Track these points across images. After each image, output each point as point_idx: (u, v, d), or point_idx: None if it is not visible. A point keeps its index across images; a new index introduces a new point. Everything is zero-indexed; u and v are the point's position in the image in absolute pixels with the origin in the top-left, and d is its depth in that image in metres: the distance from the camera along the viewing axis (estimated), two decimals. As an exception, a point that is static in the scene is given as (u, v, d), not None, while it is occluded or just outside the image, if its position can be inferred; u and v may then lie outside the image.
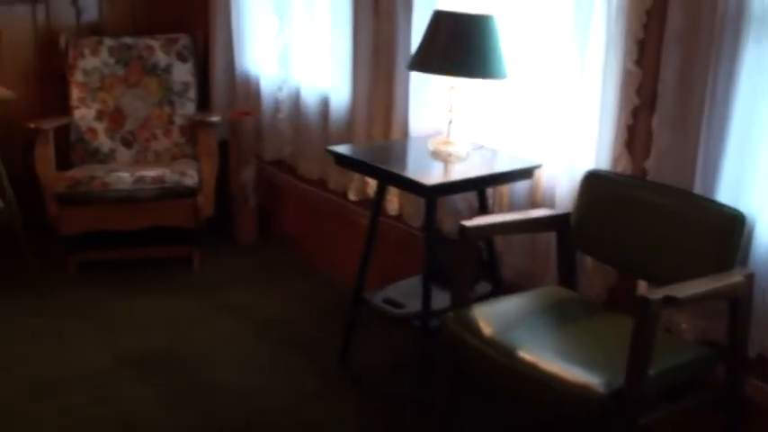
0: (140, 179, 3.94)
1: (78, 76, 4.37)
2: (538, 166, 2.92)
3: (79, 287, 3.95)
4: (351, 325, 3.22)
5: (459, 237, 2.52)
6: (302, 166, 4.16)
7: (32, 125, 4.01)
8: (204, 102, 4.56)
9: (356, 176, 3.73)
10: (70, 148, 4.35)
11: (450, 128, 3.01)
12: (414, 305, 3.00)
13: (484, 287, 3.06)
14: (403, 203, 3.56)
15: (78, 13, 4.62)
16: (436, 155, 3.01)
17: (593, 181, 2.69)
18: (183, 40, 4.51)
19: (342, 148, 3.09)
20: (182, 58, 4.48)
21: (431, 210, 2.78)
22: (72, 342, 3.46)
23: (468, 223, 2.54)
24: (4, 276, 4.04)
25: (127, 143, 4.41)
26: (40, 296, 3.85)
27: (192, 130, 4.40)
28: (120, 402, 3.02)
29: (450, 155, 2.98)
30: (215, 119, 4.24)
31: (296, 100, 4.10)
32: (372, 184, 3.67)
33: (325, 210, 4.09)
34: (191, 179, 4.02)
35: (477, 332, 2.39)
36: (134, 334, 3.53)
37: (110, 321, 3.63)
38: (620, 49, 2.62)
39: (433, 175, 2.87)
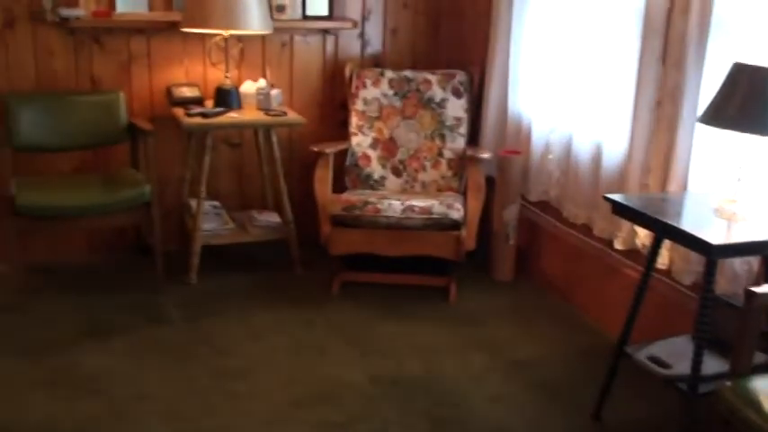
0: (410, 208, 4.07)
1: (359, 105, 4.60)
2: (836, 235, 2.70)
3: (342, 305, 4.13)
4: (610, 378, 3.13)
5: (745, 303, 2.39)
6: (567, 210, 4.12)
7: (316, 149, 4.27)
8: (474, 137, 4.64)
9: (624, 226, 3.64)
10: (344, 172, 4.57)
11: (739, 186, 2.86)
12: (680, 366, 2.87)
13: (758, 357, 2.87)
14: (673, 258, 3.43)
15: (364, 45, 4.87)
16: (719, 212, 2.86)
17: None
18: (460, 76, 4.62)
19: (620, 197, 3.02)
20: (457, 93, 4.59)
21: (711, 270, 2.65)
22: (332, 358, 3.62)
23: (759, 290, 2.40)
24: (276, 288, 4.31)
25: (397, 172, 4.58)
26: (305, 311, 4.06)
27: (461, 164, 4.50)
28: (375, 423, 3.12)
29: (734, 214, 2.83)
30: (485, 155, 4.31)
31: (567, 143, 4.08)
32: (642, 235, 3.57)
33: (587, 255, 4.02)
34: (457, 213, 4.09)
35: (757, 407, 2.25)
36: (390, 357, 3.64)
37: (367, 342, 3.77)
38: None
39: (716, 234, 2.73)
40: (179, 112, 4.23)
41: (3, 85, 4.21)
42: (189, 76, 4.51)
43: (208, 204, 4.41)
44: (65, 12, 4.11)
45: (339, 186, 4.50)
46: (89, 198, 3.95)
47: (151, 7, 4.37)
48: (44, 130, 4.17)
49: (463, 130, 4.59)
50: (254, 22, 4.11)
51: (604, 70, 3.77)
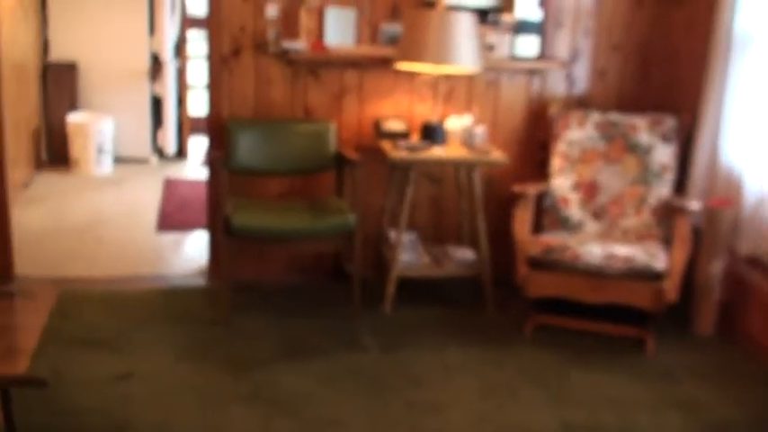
0: (610, 256, 3.98)
1: (561, 146, 4.56)
2: None
3: (533, 348, 4.08)
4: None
5: None
6: (781, 268, 3.91)
7: (518, 189, 4.26)
8: (680, 186, 4.49)
9: None
10: (542, 213, 4.54)
11: None
12: None
13: None
14: None
15: (570, 86, 4.83)
16: None
17: None
18: (669, 121, 4.48)
19: None
20: (665, 139, 4.46)
21: None
22: (523, 401, 3.58)
23: None
24: (468, 325, 4.31)
25: (596, 216, 4.49)
26: (497, 350, 4.04)
27: (665, 212, 4.36)
28: (567, 474, 3.06)
29: None
30: (694, 206, 4.15)
31: (785, 198, 3.88)
32: None
33: (800, 319, 3.80)
34: (660, 263, 3.97)
35: None
36: (581, 406, 3.55)
37: (560, 388, 3.70)
38: None
39: None
40: (386, 144, 4.34)
41: (225, 109, 4.48)
42: (397, 109, 4.63)
43: (405, 236, 4.49)
44: (287, 44, 4.34)
45: (535, 227, 4.46)
46: (298, 223, 4.12)
47: (358, 41, 4.53)
48: (259, 154, 4.40)
49: (670, 177, 4.45)
50: (465, 60, 4.17)
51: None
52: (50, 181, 6.78)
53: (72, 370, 3.60)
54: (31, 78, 6.73)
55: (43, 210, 5.96)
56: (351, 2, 4.51)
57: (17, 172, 5.93)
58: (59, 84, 7.13)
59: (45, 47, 7.12)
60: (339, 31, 4.62)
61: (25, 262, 4.77)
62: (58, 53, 7.16)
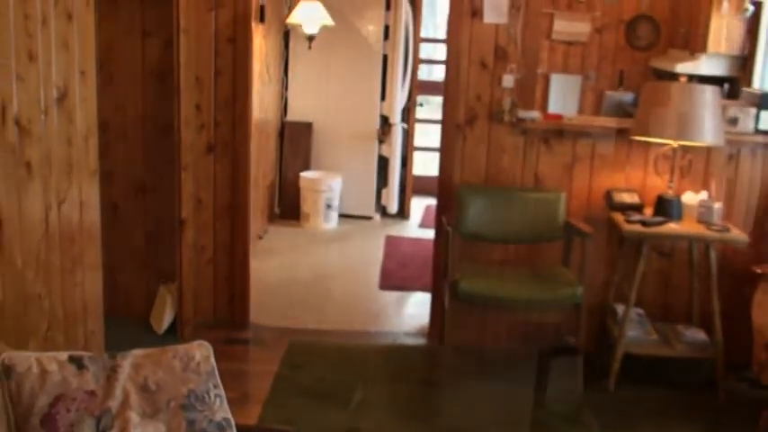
0: None
1: None
2: None
3: (768, 442, 3.83)
4: None
5: None
6: None
7: (758, 269, 4.04)
8: None
9: None
10: (782, 296, 4.27)
11: None
12: None
13: None
14: None
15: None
16: None
17: None
18: None
19: None
20: None
21: None
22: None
23: None
24: (694, 410, 4.10)
25: None
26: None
27: None
28: None
29: None
30: None
31: None
32: None
33: None
34: None
35: None
36: None
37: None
38: None
39: None
40: (618, 217, 4.26)
41: (457, 175, 4.58)
42: (629, 181, 4.53)
43: (633, 311, 4.36)
44: (522, 114, 4.39)
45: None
46: (527, 292, 4.12)
47: (580, 110, 4.51)
48: (488, 220, 4.44)
49: None
50: (707, 134, 4.04)
51: None
52: (281, 233, 7.14)
53: (301, 420, 3.75)
54: (270, 136, 7.17)
55: (275, 261, 6.29)
56: (576, 69, 4.51)
57: (253, 224, 6.28)
58: (295, 142, 7.54)
59: (284, 107, 7.58)
60: (561, 98, 4.63)
61: (259, 310, 5.05)
62: (296, 113, 7.59)
